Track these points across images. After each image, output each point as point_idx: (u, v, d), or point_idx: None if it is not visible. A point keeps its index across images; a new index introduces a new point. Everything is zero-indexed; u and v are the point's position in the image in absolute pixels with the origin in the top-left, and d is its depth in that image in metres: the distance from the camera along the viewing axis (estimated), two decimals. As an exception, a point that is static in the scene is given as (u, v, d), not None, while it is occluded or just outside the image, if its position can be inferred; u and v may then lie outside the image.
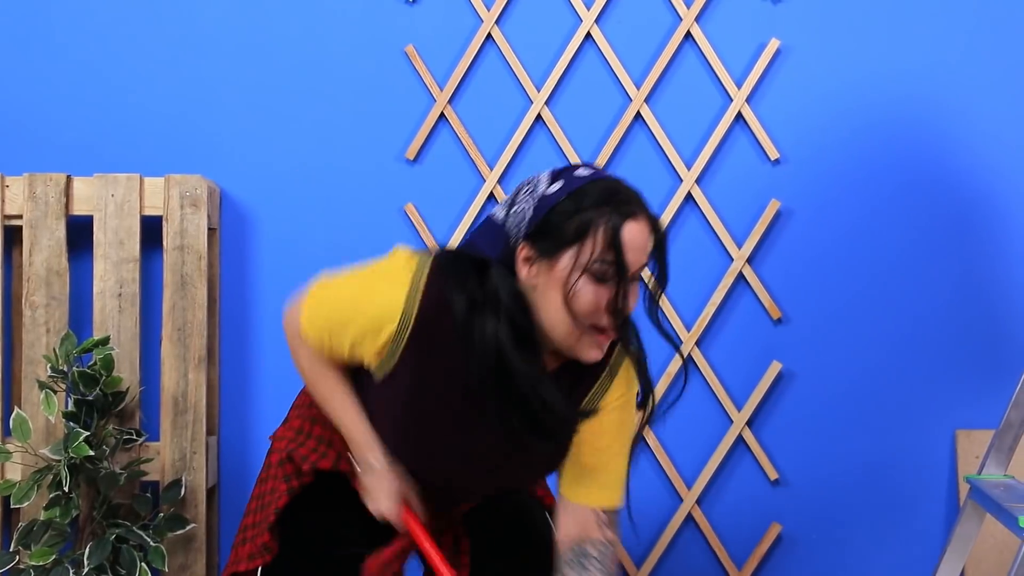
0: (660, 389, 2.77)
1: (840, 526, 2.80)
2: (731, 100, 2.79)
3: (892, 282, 2.80)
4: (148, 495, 2.58)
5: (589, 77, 2.83)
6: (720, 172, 2.81)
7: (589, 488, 1.76)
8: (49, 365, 2.50)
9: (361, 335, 1.67)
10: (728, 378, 2.81)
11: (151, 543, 2.47)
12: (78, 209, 2.68)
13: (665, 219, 2.78)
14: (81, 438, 2.40)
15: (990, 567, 2.73)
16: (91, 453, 2.40)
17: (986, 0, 2.80)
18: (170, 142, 2.84)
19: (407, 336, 1.63)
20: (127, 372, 2.64)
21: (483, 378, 1.61)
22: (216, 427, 2.81)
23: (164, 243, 2.67)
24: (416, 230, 2.81)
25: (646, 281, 1.68)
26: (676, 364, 2.77)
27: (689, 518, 2.80)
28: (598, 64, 2.83)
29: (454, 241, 2.76)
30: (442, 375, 1.66)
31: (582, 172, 1.61)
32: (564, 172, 1.61)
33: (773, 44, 2.78)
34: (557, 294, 1.56)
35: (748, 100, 2.79)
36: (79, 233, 2.72)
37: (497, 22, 2.82)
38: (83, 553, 2.44)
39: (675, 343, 1.68)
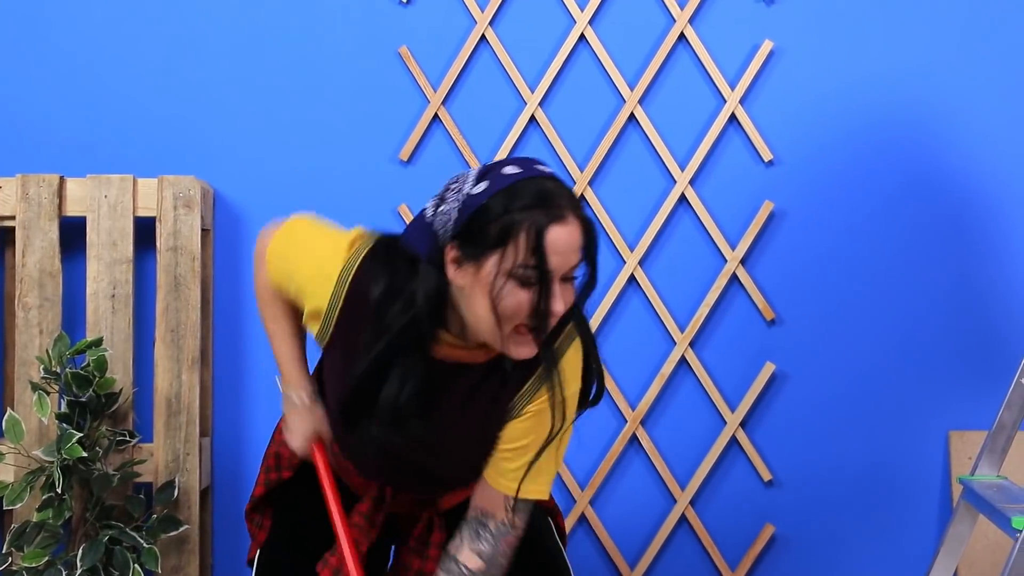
0: (654, 389, 2.78)
1: (834, 527, 2.81)
2: (725, 101, 2.79)
3: (885, 283, 2.81)
4: (141, 496, 2.58)
5: (583, 78, 2.83)
6: (714, 173, 2.82)
7: (501, 475, 1.75)
8: (42, 366, 2.50)
9: (300, 292, 1.76)
10: (722, 379, 2.81)
11: (144, 544, 2.46)
12: (71, 210, 2.67)
13: (659, 220, 2.78)
14: (74, 439, 2.39)
15: (983, 568, 2.74)
16: (84, 454, 2.40)
17: (979, 2, 2.81)
18: (163, 143, 2.84)
19: (335, 315, 1.68)
20: (120, 373, 2.64)
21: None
22: (209, 428, 2.81)
23: (157, 244, 2.67)
24: (410, 231, 2.81)
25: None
26: (670, 365, 2.78)
27: (682, 519, 2.80)
28: (592, 65, 2.83)
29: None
30: (363, 353, 1.67)
31: (509, 170, 1.56)
32: (491, 171, 1.56)
33: (767, 45, 2.78)
34: (484, 297, 1.54)
35: (742, 101, 2.80)
36: (72, 234, 2.71)
37: (491, 23, 2.82)
38: (76, 555, 2.43)
39: (591, 340, 1.69)
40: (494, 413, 1.70)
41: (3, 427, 2.50)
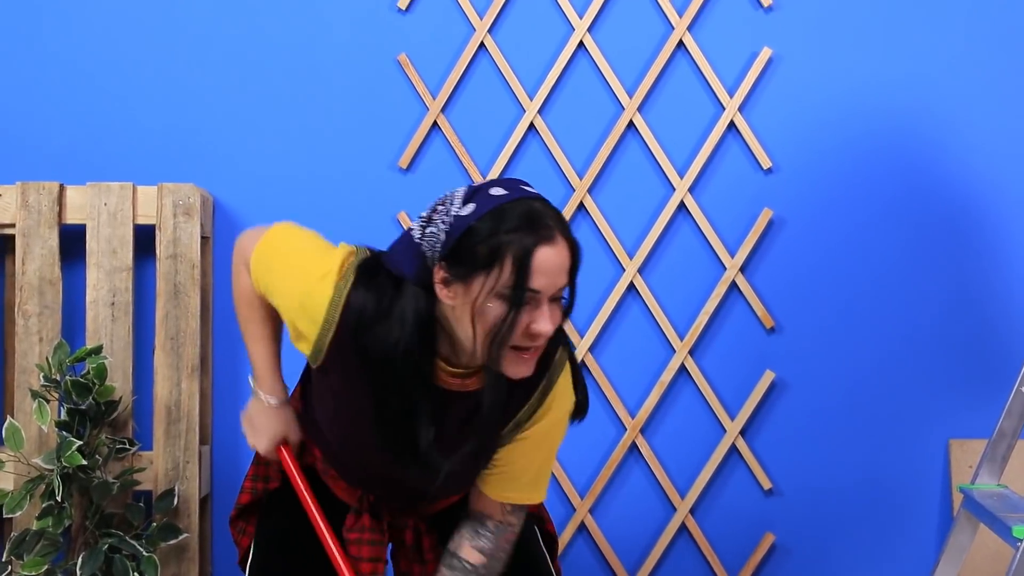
0: (654, 397, 2.78)
1: (834, 536, 2.80)
2: (723, 109, 2.80)
3: (885, 291, 2.80)
4: (141, 504, 2.58)
5: (582, 86, 2.84)
6: (713, 181, 2.82)
7: (498, 489, 1.79)
8: (42, 374, 2.50)
9: (285, 311, 1.74)
10: (721, 387, 2.81)
11: (144, 553, 2.46)
12: (71, 218, 2.68)
13: (658, 228, 2.78)
14: (74, 447, 2.40)
15: (984, 576, 2.73)
16: (84, 462, 2.40)
17: (977, 9, 2.81)
18: (163, 151, 2.84)
19: (328, 342, 1.68)
20: (120, 381, 2.64)
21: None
22: (209, 436, 2.81)
23: (157, 252, 2.67)
24: (409, 239, 2.81)
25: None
26: (670, 373, 2.77)
27: (682, 528, 2.80)
28: (591, 73, 2.83)
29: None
30: (361, 380, 1.68)
31: (496, 191, 1.56)
32: (478, 192, 1.57)
33: (765, 53, 2.79)
34: (472, 317, 1.55)
35: (740, 109, 2.80)
36: (72, 242, 2.71)
37: (490, 31, 2.82)
38: (76, 563, 2.43)
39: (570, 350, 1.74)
40: (490, 437, 1.72)
41: (3, 435, 2.50)
